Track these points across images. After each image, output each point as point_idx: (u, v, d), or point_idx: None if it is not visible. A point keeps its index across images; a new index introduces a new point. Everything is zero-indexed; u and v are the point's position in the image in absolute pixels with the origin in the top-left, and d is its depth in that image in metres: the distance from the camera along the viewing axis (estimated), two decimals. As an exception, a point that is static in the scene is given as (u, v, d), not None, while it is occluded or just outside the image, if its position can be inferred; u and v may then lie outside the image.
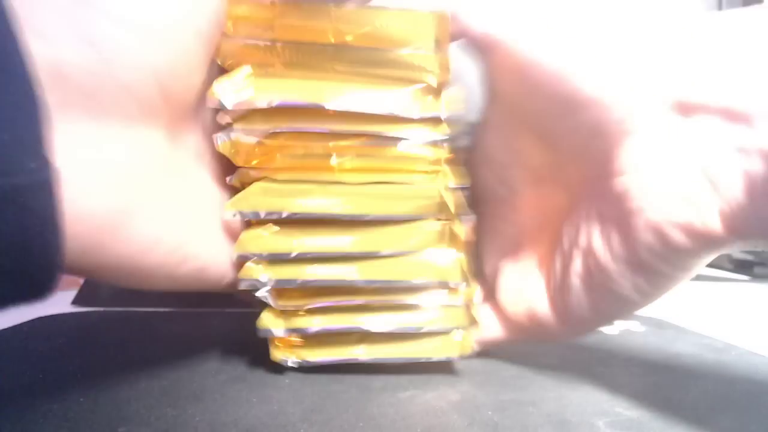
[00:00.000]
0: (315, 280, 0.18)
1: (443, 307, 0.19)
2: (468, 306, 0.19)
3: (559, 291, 0.19)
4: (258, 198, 0.18)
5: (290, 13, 0.17)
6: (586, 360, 0.21)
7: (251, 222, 0.18)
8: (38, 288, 0.13)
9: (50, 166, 0.12)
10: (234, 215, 0.18)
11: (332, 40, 0.17)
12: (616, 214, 0.16)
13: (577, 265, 0.18)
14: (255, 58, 0.17)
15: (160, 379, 0.18)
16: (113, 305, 0.32)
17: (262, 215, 0.18)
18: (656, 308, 0.35)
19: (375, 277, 0.18)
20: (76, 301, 0.33)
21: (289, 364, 0.19)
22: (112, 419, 0.15)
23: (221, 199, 0.19)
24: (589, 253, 0.17)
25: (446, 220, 0.19)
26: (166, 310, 0.31)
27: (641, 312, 0.31)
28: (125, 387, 0.18)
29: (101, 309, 0.31)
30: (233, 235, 0.18)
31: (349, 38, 0.17)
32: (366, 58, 0.17)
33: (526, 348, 0.19)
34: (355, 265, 0.18)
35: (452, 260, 0.19)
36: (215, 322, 0.25)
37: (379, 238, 0.18)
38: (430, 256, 0.19)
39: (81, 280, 0.34)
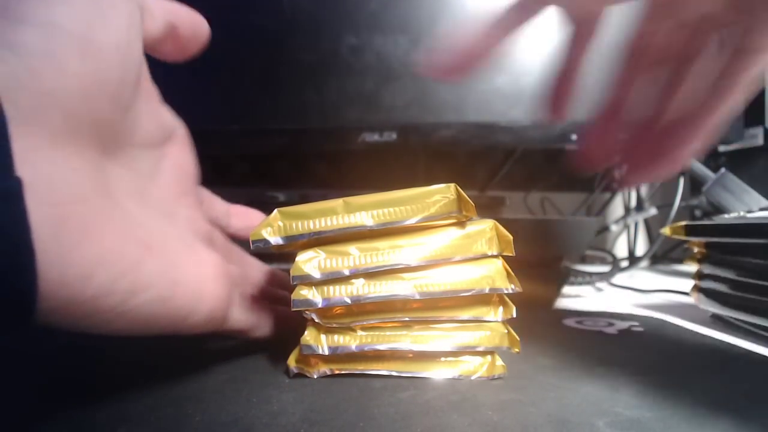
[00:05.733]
0: (368, 297, 0.18)
1: (487, 325, 0.19)
2: (507, 325, 0.19)
3: None
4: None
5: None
6: (586, 360, 0.21)
7: (303, 243, 0.19)
8: (15, 309, 0.12)
9: (14, 174, 0.11)
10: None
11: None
12: None
13: None
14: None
15: (160, 379, 0.18)
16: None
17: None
18: (656, 308, 0.35)
19: (429, 289, 0.18)
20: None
21: (315, 376, 0.19)
22: (112, 419, 0.15)
23: (179, 224, 0.19)
24: None
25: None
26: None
27: (641, 312, 0.31)
28: (125, 387, 0.18)
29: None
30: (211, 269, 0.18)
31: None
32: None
33: (526, 348, 0.19)
34: (408, 280, 0.18)
35: (498, 266, 0.19)
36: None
37: (433, 248, 0.19)
38: (479, 265, 0.19)
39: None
